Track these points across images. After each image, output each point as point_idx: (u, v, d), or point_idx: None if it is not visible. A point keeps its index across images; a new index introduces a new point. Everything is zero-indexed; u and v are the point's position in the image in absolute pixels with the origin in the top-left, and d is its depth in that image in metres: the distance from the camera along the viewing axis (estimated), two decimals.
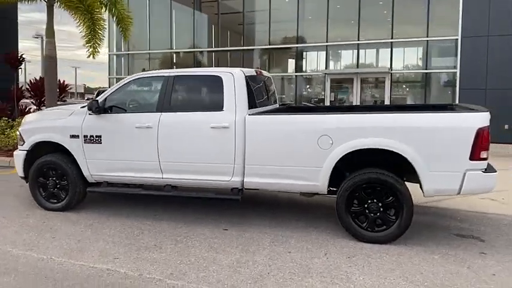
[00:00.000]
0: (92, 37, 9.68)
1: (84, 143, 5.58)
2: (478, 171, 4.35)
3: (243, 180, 5.05)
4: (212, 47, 20.26)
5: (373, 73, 16.92)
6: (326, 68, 17.57)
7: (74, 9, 9.45)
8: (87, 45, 9.71)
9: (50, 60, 10.24)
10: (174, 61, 21.29)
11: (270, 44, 18.67)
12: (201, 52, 20.68)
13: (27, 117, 6.36)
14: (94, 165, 5.60)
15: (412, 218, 4.56)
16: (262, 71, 6.18)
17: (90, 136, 5.56)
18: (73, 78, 64.84)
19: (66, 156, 5.73)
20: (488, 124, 4.35)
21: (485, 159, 4.37)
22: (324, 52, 17.68)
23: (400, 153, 4.47)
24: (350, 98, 16.95)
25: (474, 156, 4.31)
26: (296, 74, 18.31)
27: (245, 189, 5.14)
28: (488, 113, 4.47)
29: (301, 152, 4.81)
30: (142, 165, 5.38)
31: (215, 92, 5.20)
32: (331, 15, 17.01)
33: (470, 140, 4.29)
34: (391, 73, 16.32)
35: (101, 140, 5.52)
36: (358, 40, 16.71)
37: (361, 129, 4.63)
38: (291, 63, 18.88)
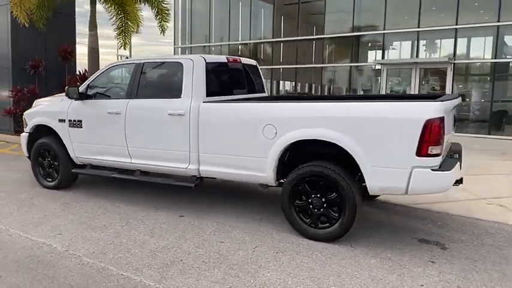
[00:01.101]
0: (123, 29, 10.23)
1: (69, 127, 5.98)
2: (426, 169, 3.82)
3: (198, 168, 5.02)
4: (273, 38, 20.17)
5: (433, 63, 15.56)
6: (383, 58, 16.57)
7: (108, 2, 10.06)
8: (118, 36, 10.31)
9: (92, 52, 11.06)
10: (240, 53, 21.59)
11: (325, 34, 18.12)
12: (262, 43, 20.77)
13: (36, 102, 6.98)
14: (78, 148, 5.97)
15: (355, 218, 4.16)
16: (244, 58, 6.04)
17: (74, 121, 5.93)
18: None
19: (58, 139, 6.19)
20: (442, 115, 3.79)
21: (436, 155, 3.82)
22: (381, 41, 16.67)
23: (340, 145, 4.11)
24: (407, 91, 15.79)
25: (421, 151, 3.80)
26: (351, 64, 17.53)
27: (203, 177, 5.12)
28: (445, 102, 3.91)
29: (248, 141, 4.64)
30: (115, 149, 5.61)
31: (177, 79, 5.21)
32: (389, 1, 15.95)
33: (416, 133, 3.78)
34: (454, 63, 14.86)
35: (81, 124, 5.87)
36: (418, 27, 15.46)
37: (304, 119, 4.33)
38: (346, 53, 18.11)
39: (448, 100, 4.06)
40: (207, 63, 5.11)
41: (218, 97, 5.20)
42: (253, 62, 6.27)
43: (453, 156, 4.70)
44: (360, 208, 4.19)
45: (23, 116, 6.80)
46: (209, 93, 5.09)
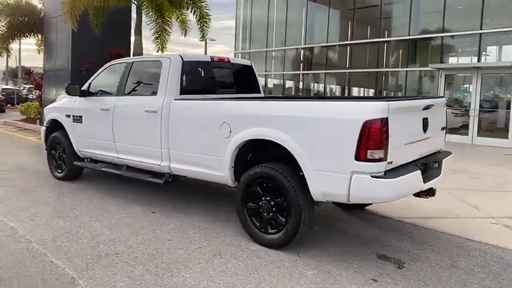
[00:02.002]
0: (160, 34, 10.68)
1: (73, 121, 6.36)
2: (366, 175, 3.44)
3: (169, 166, 5.05)
4: (336, 41, 19.75)
5: (498, 68, 14.04)
6: (441, 62, 15.35)
7: (148, 8, 10.58)
8: (156, 40, 10.77)
9: (136, 55, 11.70)
10: (301, 57, 21.44)
11: (381, 37, 17.28)
12: (312, 48, 20.41)
13: (58, 98, 7.52)
14: (79, 141, 6.33)
15: (300, 225, 3.86)
16: (236, 58, 5.97)
17: (76, 116, 6.30)
18: None
19: (66, 133, 6.61)
20: (384, 117, 3.39)
21: (377, 160, 3.42)
22: (440, 44, 15.47)
23: (284, 146, 3.86)
24: (467, 98, 14.43)
25: (359, 156, 3.42)
26: (407, 69, 16.50)
27: (175, 175, 5.13)
28: (394, 102, 3.49)
29: (208, 139, 4.56)
30: (105, 144, 5.85)
31: (156, 77, 5.29)
32: (449, 3, 14.78)
33: (355, 136, 3.42)
34: None
35: (82, 120, 6.21)
36: (481, 29, 14.10)
37: (254, 118, 4.14)
38: (403, 57, 17.09)
39: (401, 100, 3.63)
40: (184, 61, 5.12)
41: (194, 96, 5.19)
42: (247, 62, 6.17)
43: (432, 166, 4.20)
44: (307, 215, 3.88)
45: (44, 111, 7.38)
46: (185, 92, 5.10)
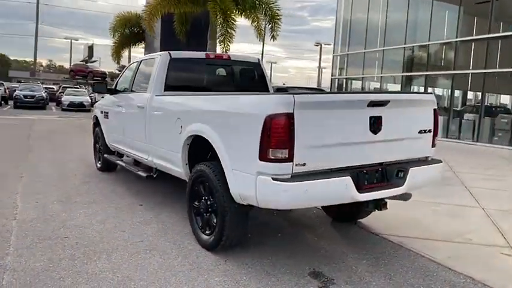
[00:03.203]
0: (225, 37, 10.96)
1: (103, 117, 6.95)
2: (267, 176, 3.04)
3: (153, 160, 5.17)
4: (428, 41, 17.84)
5: None
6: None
7: (217, 13, 10.98)
8: (221, 44, 11.10)
9: None
10: (404, 57, 19.93)
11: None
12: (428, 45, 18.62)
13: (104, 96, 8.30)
14: (107, 136, 6.88)
15: (224, 228, 3.60)
16: (240, 55, 5.82)
17: (105, 112, 6.87)
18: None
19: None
20: (289, 111, 2.96)
21: (281, 160, 3.00)
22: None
23: (211, 143, 3.64)
24: None
25: (262, 155, 3.05)
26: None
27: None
28: (295, 95, 3.02)
29: (169, 134, 4.55)
30: (120, 138, 6.26)
31: (150, 74, 5.47)
32: None
33: (258, 133, 3.06)
34: None
35: (108, 115, 6.74)
36: None
37: (196, 114, 4.02)
38: None
39: (321, 93, 3.12)
40: (171, 58, 5.19)
41: (177, 92, 5.21)
42: (253, 59, 5.96)
43: (393, 175, 3.54)
44: (235, 219, 3.59)
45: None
46: (171, 89, 5.15)
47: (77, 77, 36.24)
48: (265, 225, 4.68)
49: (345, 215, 4.71)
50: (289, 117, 2.97)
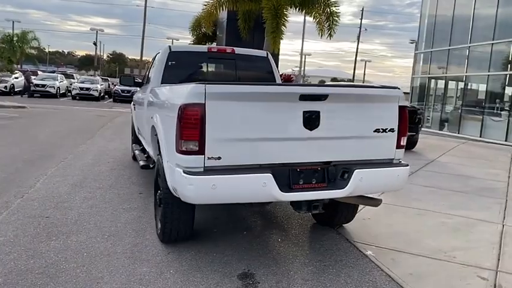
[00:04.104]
0: (274, 34, 10.79)
1: (133, 109, 7.35)
2: (180, 168, 2.96)
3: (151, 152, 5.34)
4: None
5: None
6: None
7: (267, 10, 10.90)
8: (271, 38, 10.94)
9: None
10: (491, 55, 17.89)
11: None
12: None
13: None
14: (135, 126, 7.27)
15: (164, 223, 3.58)
16: (247, 49, 5.71)
17: (133, 103, 7.26)
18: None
19: None
20: (200, 102, 2.85)
21: (192, 152, 2.91)
22: None
23: (157, 133, 3.65)
24: None
25: (177, 146, 2.99)
26: None
27: None
28: (207, 85, 2.89)
29: (148, 125, 4.66)
30: (139, 129, 6.57)
31: None
32: None
33: (174, 123, 3.00)
34: None
35: (134, 107, 7.12)
36: None
37: (156, 104, 4.06)
38: None
39: (235, 85, 2.93)
40: (170, 51, 5.31)
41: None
42: (261, 53, 5.81)
43: (343, 176, 3.22)
44: (177, 213, 3.56)
45: None
46: (168, 81, 5.24)
47: None
48: (238, 221, 4.58)
49: (325, 218, 4.40)
50: (200, 107, 2.86)
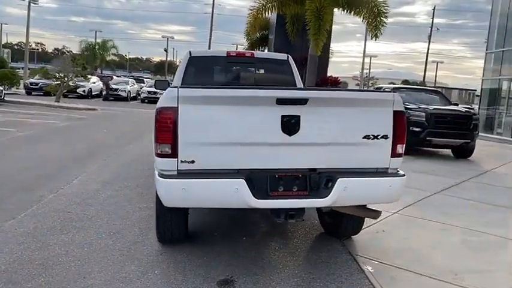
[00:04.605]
0: (317, 33, 10.55)
1: None
2: (157, 171, 3.01)
3: None
4: None
5: None
6: None
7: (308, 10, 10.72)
8: (313, 40, 10.70)
9: (310, 59, 12.07)
10: None
11: None
12: None
13: None
14: None
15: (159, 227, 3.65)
16: (266, 53, 5.69)
17: None
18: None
19: None
20: (173, 105, 2.88)
21: (166, 155, 2.96)
22: None
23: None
24: None
25: (155, 149, 3.04)
26: None
27: None
28: (180, 89, 2.94)
29: None
30: None
31: None
32: None
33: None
34: None
35: None
36: None
37: None
38: None
39: (208, 89, 2.89)
40: (190, 56, 5.44)
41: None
42: (281, 56, 5.72)
43: (326, 184, 3.08)
44: (168, 215, 3.60)
45: None
46: (189, 85, 5.39)
47: None
48: (241, 226, 4.56)
49: (331, 229, 4.21)
50: (173, 111, 2.89)
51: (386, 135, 3.15)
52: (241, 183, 2.91)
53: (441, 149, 10.69)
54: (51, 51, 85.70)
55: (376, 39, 11.16)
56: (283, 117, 2.98)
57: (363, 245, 4.11)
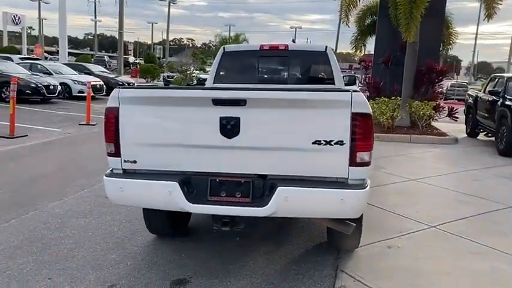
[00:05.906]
0: (408, 17, 9.35)
1: None
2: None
3: None
4: None
5: None
6: None
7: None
8: (404, 25, 9.49)
9: (409, 46, 10.93)
10: None
11: None
12: None
13: None
14: None
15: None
16: (304, 45, 5.39)
17: None
18: None
19: None
20: (115, 106, 2.94)
21: (111, 154, 3.07)
22: None
23: None
24: None
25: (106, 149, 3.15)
26: None
27: None
28: (120, 90, 2.99)
29: None
30: None
31: None
32: None
33: None
34: None
35: None
36: None
37: None
38: None
39: (146, 89, 2.84)
40: (224, 51, 5.44)
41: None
42: (319, 47, 5.31)
43: (270, 192, 2.85)
44: (152, 213, 3.73)
45: None
46: (219, 81, 5.42)
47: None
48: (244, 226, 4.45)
49: (331, 240, 3.83)
50: (115, 111, 2.96)
51: (342, 141, 2.72)
52: (174, 186, 2.86)
53: None
54: (199, 45, 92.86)
55: (488, 20, 9.46)
56: (221, 118, 2.81)
57: (360, 261, 3.65)
